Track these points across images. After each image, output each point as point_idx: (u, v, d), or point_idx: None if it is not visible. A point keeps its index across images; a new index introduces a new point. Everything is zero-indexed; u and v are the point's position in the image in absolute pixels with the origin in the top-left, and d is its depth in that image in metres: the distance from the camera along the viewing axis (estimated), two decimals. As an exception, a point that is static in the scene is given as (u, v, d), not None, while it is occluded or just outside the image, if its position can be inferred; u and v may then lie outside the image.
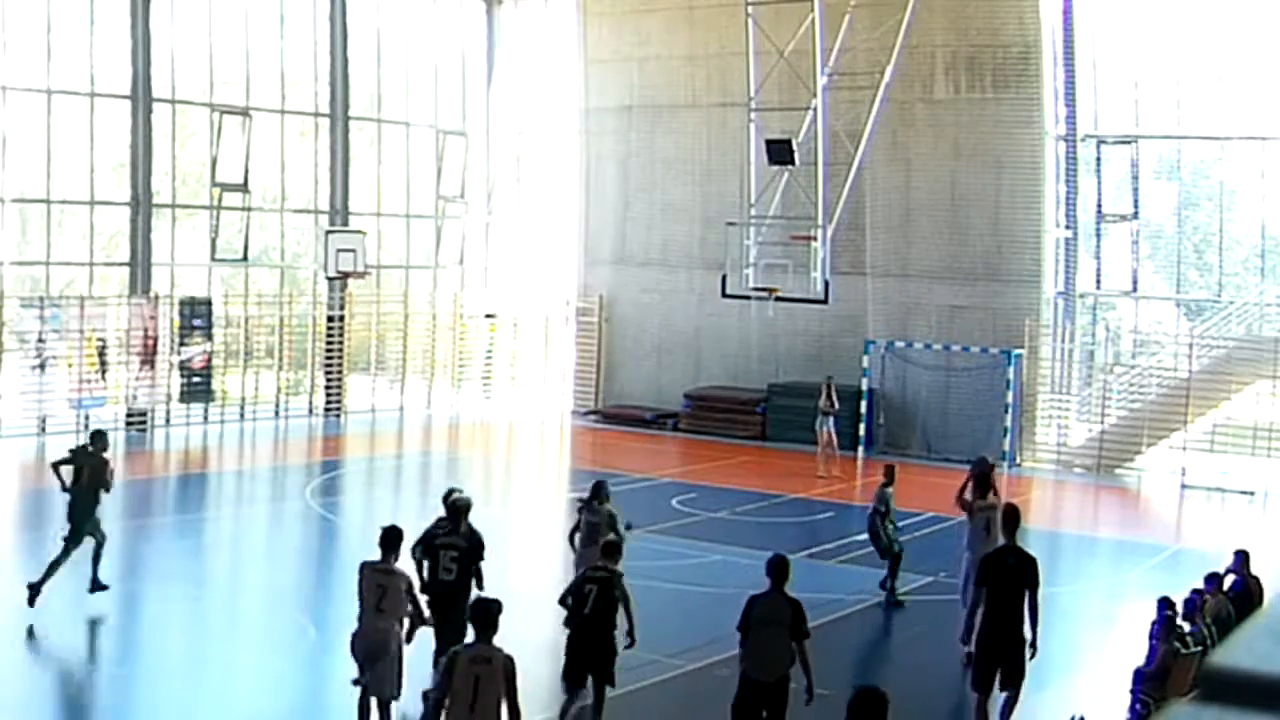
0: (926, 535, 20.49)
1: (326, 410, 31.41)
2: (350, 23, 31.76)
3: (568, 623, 11.60)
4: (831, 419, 26.39)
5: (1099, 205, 28.98)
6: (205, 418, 29.52)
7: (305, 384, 32.08)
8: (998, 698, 11.77)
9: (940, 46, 29.11)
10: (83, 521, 14.92)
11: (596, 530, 13.95)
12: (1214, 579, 13.09)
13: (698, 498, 21.92)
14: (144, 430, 27.90)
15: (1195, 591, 12.50)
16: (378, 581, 11.10)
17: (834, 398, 26.69)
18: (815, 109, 26.34)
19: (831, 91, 26.75)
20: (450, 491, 13.11)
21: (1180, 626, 11.96)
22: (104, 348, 27.15)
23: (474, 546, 12.18)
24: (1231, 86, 27.39)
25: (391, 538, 11.26)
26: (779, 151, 26.18)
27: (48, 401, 26.57)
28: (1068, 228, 29.08)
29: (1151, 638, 12.08)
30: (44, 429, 26.65)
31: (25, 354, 26.10)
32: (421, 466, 28.02)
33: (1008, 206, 28.86)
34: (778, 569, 10.72)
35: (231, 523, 21.78)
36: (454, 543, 12.12)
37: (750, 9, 26.90)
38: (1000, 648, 11.48)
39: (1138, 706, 11.74)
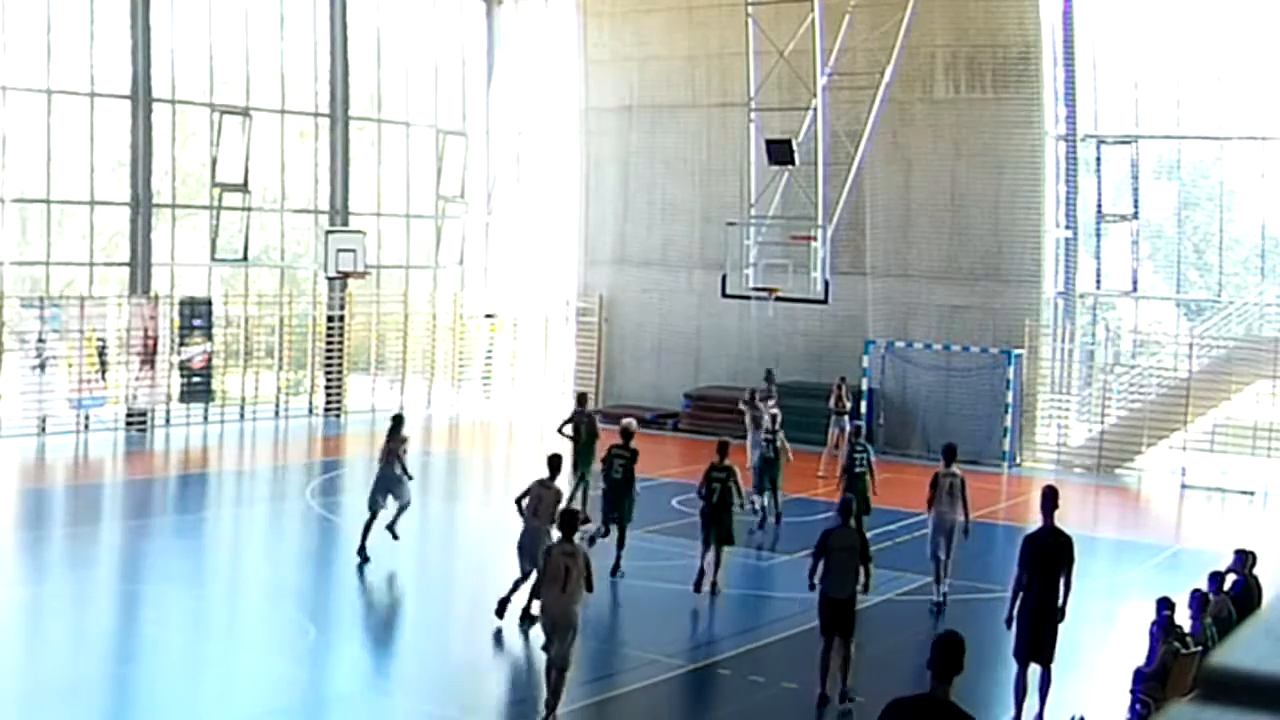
0: (926, 535, 20.44)
1: (326, 410, 31.40)
2: (350, 23, 31.76)
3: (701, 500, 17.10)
4: (846, 419, 26.39)
5: (1099, 205, 28.97)
6: (205, 418, 29.51)
7: (305, 384, 32.07)
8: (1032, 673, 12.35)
9: (940, 46, 29.11)
10: (587, 467, 20.09)
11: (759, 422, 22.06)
12: (1217, 578, 13.08)
13: (698, 498, 21.89)
14: (144, 430, 27.90)
15: (1197, 591, 12.48)
16: (538, 494, 15.06)
17: (845, 399, 26.69)
18: (815, 109, 26.34)
19: (831, 91, 26.74)
20: (624, 423, 19.08)
21: (1180, 626, 11.96)
22: (104, 348, 27.15)
23: (633, 456, 18.16)
24: (1231, 86, 27.39)
25: (556, 462, 15.48)
26: (779, 151, 26.17)
27: (48, 401, 26.57)
28: (1068, 228, 29.08)
29: (1151, 638, 12.08)
30: (44, 429, 26.66)
31: (25, 354, 26.10)
32: (421, 466, 27.96)
33: (1008, 206, 28.86)
34: (846, 507, 13.59)
35: (231, 523, 21.79)
36: (623, 454, 18.14)
37: (750, 9, 26.90)
38: (1039, 623, 12.20)
39: (1138, 706, 11.74)
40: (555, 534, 12.96)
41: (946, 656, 7.07)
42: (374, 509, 17.68)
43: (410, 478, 18.10)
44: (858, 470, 19.24)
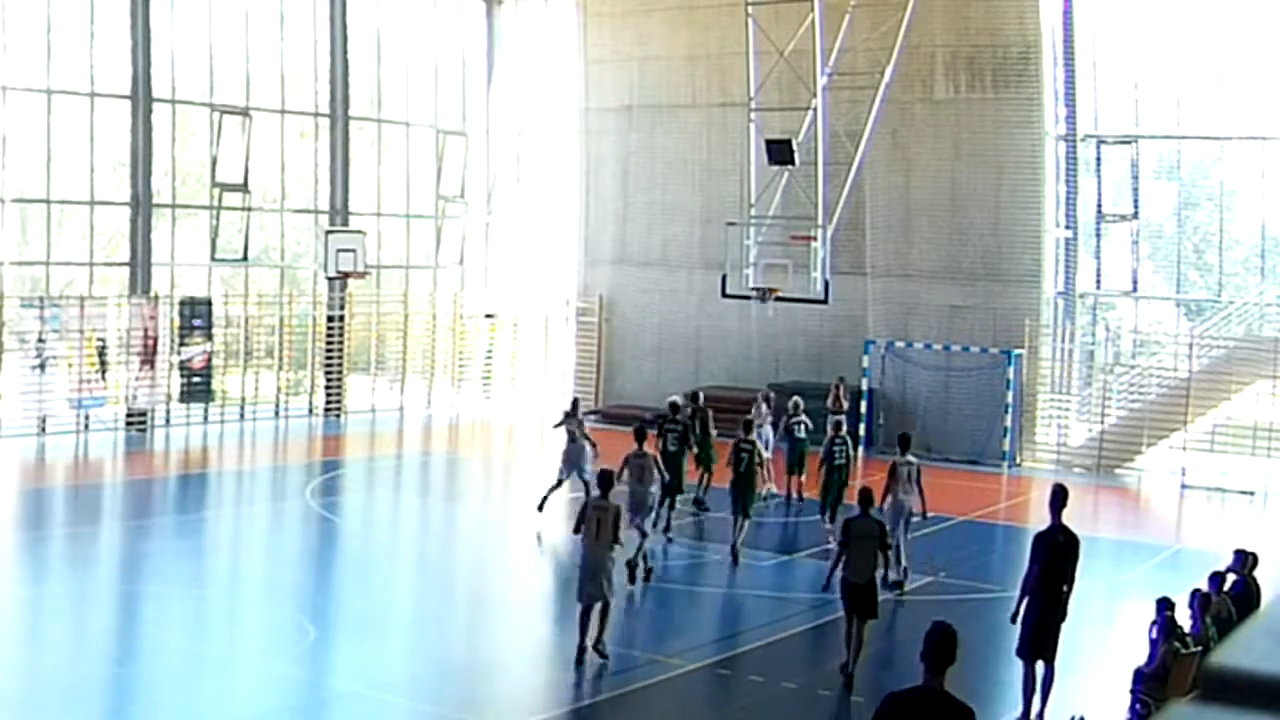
0: (927, 535, 20.46)
1: (326, 410, 31.40)
2: (350, 23, 31.75)
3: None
4: (843, 419, 26.34)
5: (1099, 205, 28.97)
6: (205, 418, 29.50)
7: (305, 384, 32.07)
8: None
9: (940, 46, 29.10)
10: (708, 463, 21.84)
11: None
12: (1218, 578, 13.07)
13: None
14: (144, 430, 27.90)
15: (1198, 591, 12.48)
16: (638, 464, 17.46)
17: (842, 398, 26.60)
18: (815, 109, 26.33)
19: (831, 91, 26.74)
20: (670, 400, 21.61)
21: (1180, 626, 11.95)
22: (104, 348, 27.15)
23: (687, 426, 20.71)
24: (1231, 86, 27.39)
25: (642, 432, 18.08)
26: (779, 151, 26.16)
27: (48, 401, 26.57)
28: (1068, 228, 29.08)
29: (1151, 638, 12.08)
30: (44, 429, 26.66)
31: (25, 354, 26.10)
32: (421, 466, 28.02)
33: (1008, 206, 28.86)
34: (866, 497, 14.15)
35: (231, 523, 21.78)
36: (673, 427, 20.40)
37: (750, 9, 26.89)
38: (1047, 620, 12.26)
39: (1138, 706, 11.74)
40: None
41: (939, 648, 7.12)
42: (561, 479, 20.63)
43: (594, 445, 20.79)
44: (837, 463, 19.86)
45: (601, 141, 34.05)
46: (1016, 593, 12.79)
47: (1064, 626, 12.47)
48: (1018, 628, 12.53)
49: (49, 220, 27.53)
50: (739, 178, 28.89)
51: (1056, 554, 12.34)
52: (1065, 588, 12.38)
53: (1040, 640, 12.33)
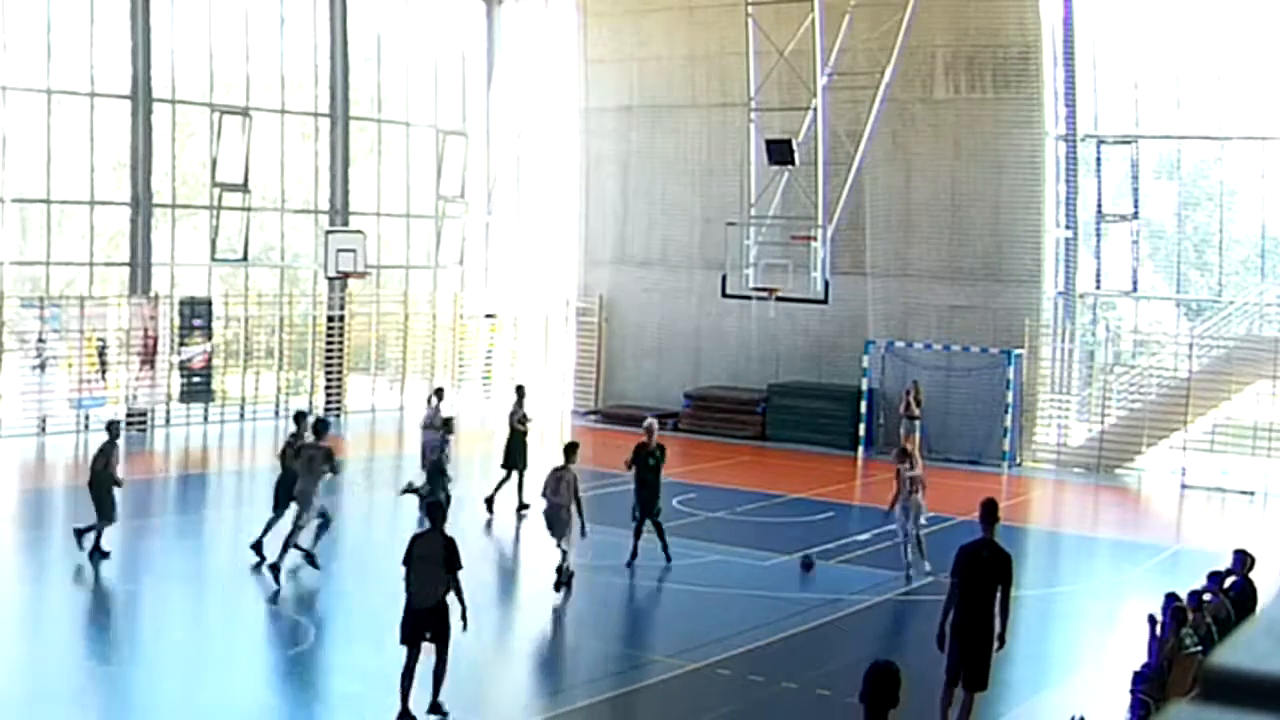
0: (926, 535, 20.44)
1: (326, 410, 31.37)
2: (350, 23, 31.76)
3: None
4: (917, 425, 26.35)
5: (1099, 205, 28.97)
6: (205, 418, 29.51)
7: (305, 384, 32.06)
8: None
9: (940, 46, 29.10)
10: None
11: None
12: (1216, 578, 13.06)
13: (698, 498, 21.92)
14: (144, 430, 27.89)
15: (1194, 593, 12.47)
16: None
17: (914, 403, 26.51)
18: (815, 109, 26.34)
19: (831, 91, 26.74)
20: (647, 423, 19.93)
21: (1188, 616, 11.92)
22: (104, 348, 27.15)
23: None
24: (1231, 86, 27.39)
25: (572, 450, 17.36)
26: (779, 151, 26.17)
27: (48, 401, 26.57)
28: (1068, 228, 29.08)
29: (1151, 637, 12.07)
30: (44, 429, 26.66)
31: (25, 354, 26.10)
32: (422, 466, 27.96)
33: (1008, 206, 28.86)
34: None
35: (231, 523, 21.77)
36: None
37: (750, 9, 26.90)
38: (968, 643, 11.27)
39: (1138, 707, 11.73)
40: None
41: (879, 688, 6.88)
42: None
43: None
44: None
45: (601, 141, 34.05)
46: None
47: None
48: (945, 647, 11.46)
49: (49, 220, 27.53)
50: (739, 178, 28.89)
51: (981, 570, 11.33)
52: (1001, 611, 11.35)
53: (960, 662, 11.33)
